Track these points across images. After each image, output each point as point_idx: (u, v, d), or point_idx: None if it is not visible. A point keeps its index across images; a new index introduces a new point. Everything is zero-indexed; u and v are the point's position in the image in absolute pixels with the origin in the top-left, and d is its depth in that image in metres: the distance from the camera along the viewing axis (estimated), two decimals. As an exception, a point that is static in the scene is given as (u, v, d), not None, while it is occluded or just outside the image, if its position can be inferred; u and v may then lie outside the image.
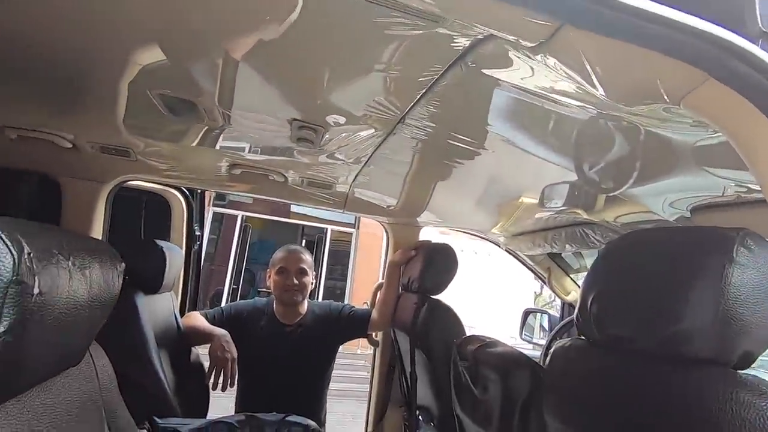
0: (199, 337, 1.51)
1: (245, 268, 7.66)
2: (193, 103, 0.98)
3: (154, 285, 1.37)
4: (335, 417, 2.21)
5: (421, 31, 0.57)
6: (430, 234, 1.99)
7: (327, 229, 8.27)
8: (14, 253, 0.37)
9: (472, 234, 2.14)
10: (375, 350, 1.95)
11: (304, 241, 8.13)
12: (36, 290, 0.40)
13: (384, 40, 0.60)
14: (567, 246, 1.52)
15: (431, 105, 0.83)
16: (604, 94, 0.53)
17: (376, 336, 1.90)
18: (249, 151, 1.38)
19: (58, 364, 0.53)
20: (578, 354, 0.57)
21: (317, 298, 6.30)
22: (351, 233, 8.36)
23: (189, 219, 1.77)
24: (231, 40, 0.72)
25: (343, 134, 1.06)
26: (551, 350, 0.64)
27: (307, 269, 1.70)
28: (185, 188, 1.78)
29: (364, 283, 6.86)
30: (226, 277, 7.65)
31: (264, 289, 8.10)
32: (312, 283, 1.73)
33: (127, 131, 1.24)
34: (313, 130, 1.02)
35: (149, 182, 1.66)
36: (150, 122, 1.18)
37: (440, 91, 0.76)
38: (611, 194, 1.09)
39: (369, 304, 1.92)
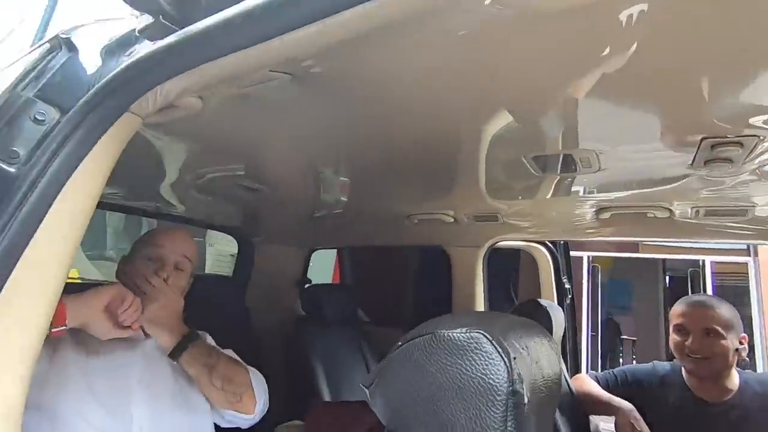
0: (598, 406, 1.34)
1: (605, 315, 6.97)
2: (567, 156, 0.93)
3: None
4: None
5: None
6: None
7: (702, 260, 6.45)
8: (504, 360, 0.38)
9: None
10: None
11: (667, 278, 6.70)
12: (526, 399, 0.39)
13: None
14: None
15: None
16: None
17: None
18: (621, 190, 1.20)
19: None
20: None
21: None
22: (745, 263, 6.16)
23: (556, 272, 1.72)
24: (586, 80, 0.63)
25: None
26: None
27: (719, 329, 1.24)
28: (548, 241, 1.76)
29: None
30: (580, 325, 7.19)
31: (626, 337, 7.08)
32: (732, 348, 1.25)
33: (493, 199, 1.34)
34: (738, 145, 0.75)
35: (515, 240, 1.75)
36: (512, 185, 1.23)
37: None
38: None
39: None
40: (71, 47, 0.54)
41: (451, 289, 1.68)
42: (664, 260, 6.83)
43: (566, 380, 1.48)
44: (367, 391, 0.44)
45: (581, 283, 7.15)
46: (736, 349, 1.25)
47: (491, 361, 0.39)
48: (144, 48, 0.52)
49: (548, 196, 1.26)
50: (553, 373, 0.50)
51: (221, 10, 0.43)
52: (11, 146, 0.48)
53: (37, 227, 0.46)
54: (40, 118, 0.50)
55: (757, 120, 0.68)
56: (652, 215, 1.27)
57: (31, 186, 0.47)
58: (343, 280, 2.18)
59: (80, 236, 0.52)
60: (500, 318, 0.49)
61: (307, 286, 2.00)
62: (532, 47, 0.51)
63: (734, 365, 1.26)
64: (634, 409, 1.24)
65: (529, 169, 1.02)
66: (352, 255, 2.14)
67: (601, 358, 6.23)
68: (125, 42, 0.55)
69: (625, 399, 1.30)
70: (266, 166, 1.31)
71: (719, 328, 1.24)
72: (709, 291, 6.28)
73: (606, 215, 1.34)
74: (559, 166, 0.97)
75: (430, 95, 0.69)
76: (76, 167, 0.50)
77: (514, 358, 0.39)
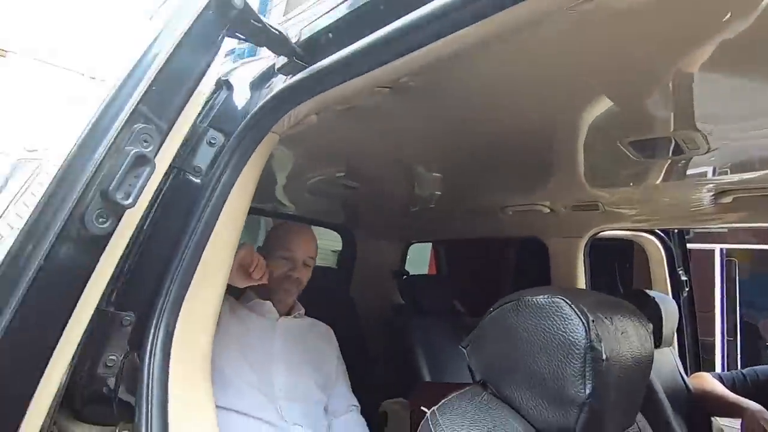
0: (721, 406, 1.24)
1: (742, 316, 6.01)
2: (668, 138, 0.90)
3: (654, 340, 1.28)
4: None
5: None
6: None
7: None
8: (582, 321, 0.44)
9: None
10: None
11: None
12: (604, 356, 0.44)
13: None
14: None
15: None
16: None
17: None
18: (743, 171, 1.09)
19: (620, 427, 0.56)
20: None
21: None
22: None
23: (670, 263, 1.59)
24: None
25: None
26: None
27: None
28: (659, 230, 1.64)
29: None
30: (713, 325, 6.28)
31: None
32: None
33: (593, 187, 1.30)
34: None
35: (620, 230, 1.66)
36: (614, 172, 1.19)
37: None
38: None
39: None
40: (229, 86, 0.72)
41: (549, 282, 1.66)
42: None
43: (682, 377, 1.38)
44: (465, 351, 0.53)
45: (712, 280, 6.24)
46: None
47: (570, 321, 0.45)
48: (279, 81, 0.67)
49: (658, 182, 1.20)
50: (644, 351, 0.53)
51: (339, 48, 0.55)
52: (196, 163, 0.66)
53: (216, 220, 0.63)
54: (212, 141, 0.67)
55: None
56: (790, 196, 1.13)
57: (211, 191, 0.64)
58: (439, 272, 2.26)
59: (241, 225, 0.69)
60: (587, 293, 0.54)
61: (404, 277, 2.13)
62: (637, 31, 0.53)
63: None
64: (765, 410, 1.12)
65: (633, 155, 1.00)
66: (447, 248, 2.22)
67: (741, 366, 5.39)
68: (265, 77, 0.71)
69: (756, 401, 1.18)
70: (364, 166, 1.45)
71: None
72: None
73: (727, 199, 1.22)
74: (663, 149, 0.94)
75: (524, 91, 0.73)
76: (238, 176, 0.67)
77: (593, 321, 0.44)
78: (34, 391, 0.47)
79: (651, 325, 0.58)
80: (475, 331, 0.53)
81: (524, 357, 0.47)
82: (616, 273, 1.81)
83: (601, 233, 1.60)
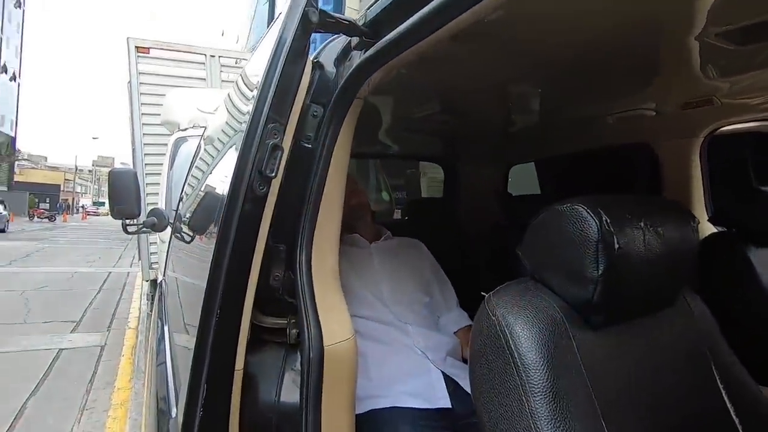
0: None
1: None
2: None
3: (771, 237, 1.21)
4: None
5: None
6: None
7: None
8: (596, 220, 0.55)
9: None
10: None
11: None
12: (616, 246, 0.55)
13: None
14: None
15: None
16: None
17: None
18: None
19: (651, 304, 0.67)
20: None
21: None
22: None
23: (815, 152, 1.37)
24: None
25: None
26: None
27: None
28: (799, 116, 1.40)
29: None
30: None
31: None
32: None
33: (704, 80, 1.20)
34: None
35: (750, 122, 1.47)
36: (729, 61, 1.08)
37: None
38: None
39: None
40: (320, 66, 0.90)
41: (661, 191, 1.59)
42: None
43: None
44: (519, 253, 0.67)
45: None
46: None
47: (585, 222, 0.56)
48: (356, 56, 0.83)
49: None
50: (681, 241, 0.63)
51: (400, 23, 0.68)
52: (307, 133, 0.88)
53: (327, 173, 0.86)
54: (315, 114, 0.88)
55: None
56: None
57: (320, 152, 0.86)
58: (543, 190, 2.28)
59: (345, 174, 0.91)
60: (623, 200, 0.63)
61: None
62: None
63: None
64: None
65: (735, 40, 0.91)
66: (549, 166, 2.21)
67: None
68: (345, 54, 0.87)
69: None
70: (455, 101, 1.55)
71: None
72: None
73: None
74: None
75: None
76: (337, 137, 0.87)
77: (607, 220, 0.55)
78: (244, 297, 0.77)
79: (697, 221, 0.65)
80: (524, 237, 0.67)
81: (555, 252, 0.61)
82: (749, 170, 1.62)
83: (722, 129, 1.45)
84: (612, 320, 0.62)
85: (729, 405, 0.67)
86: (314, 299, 0.82)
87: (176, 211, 1.93)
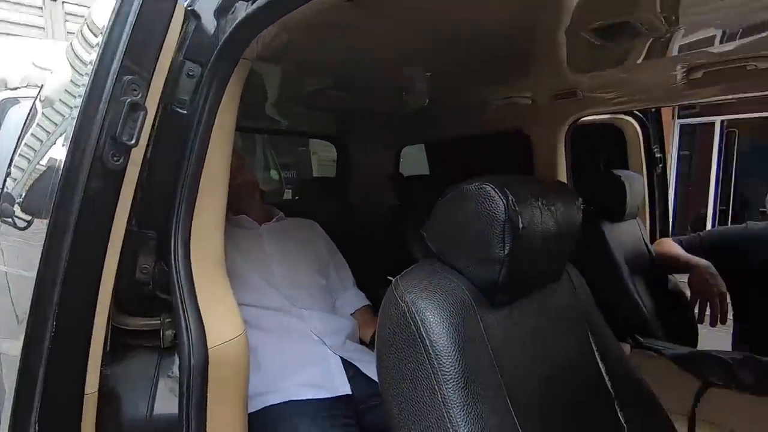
0: (676, 265, 1.43)
1: (737, 187, 6.17)
2: (627, 23, 0.92)
3: (617, 213, 1.43)
4: None
5: None
6: None
7: None
8: (503, 200, 0.55)
9: None
10: None
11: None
12: (521, 225, 0.56)
13: None
14: None
15: None
16: None
17: None
18: (716, 44, 1.11)
19: (543, 279, 0.72)
20: None
21: None
22: None
23: (646, 142, 1.66)
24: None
25: None
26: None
27: None
28: (637, 111, 1.68)
29: None
30: (707, 197, 6.49)
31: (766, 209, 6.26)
32: None
33: (570, 74, 1.33)
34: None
35: (600, 114, 1.70)
36: (589, 58, 1.21)
37: None
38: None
39: None
40: (196, 15, 0.75)
41: (534, 172, 1.76)
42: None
43: (646, 244, 1.55)
44: (424, 234, 0.66)
45: (710, 153, 6.28)
46: None
47: (493, 201, 0.57)
48: (241, 7, 0.71)
49: (638, 62, 1.21)
50: (569, 219, 0.68)
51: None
52: (180, 96, 0.73)
53: (208, 144, 0.72)
54: (191, 73, 0.73)
55: None
56: (752, 67, 1.16)
57: (198, 120, 0.72)
58: (432, 172, 2.37)
59: (231, 145, 0.78)
60: (522, 180, 0.65)
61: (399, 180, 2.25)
62: None
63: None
64: (711, 266, 1.30)
65: (595, 42, 1.02)
66: (438, 149, 2.29)
67: (729, 233, 5.68)
68: (228, 4, 0.74)
69: (709, 258, 1.35)
70: (349, 77, 1.47)
71: None
72: None
73: (698, 74, 1.26)
74: (620, 34, 0.96)
75: None
76: (219, 103, 0.74)
77: (513, 199, 0.56)
78: (96, 295, 0.61)
79: (580, 201, 0.71)
80: (429, 219, 0.65)
81: (462, 232, 0.60)
82: (599, 155, 1.90)
83: (582, 119, 1.65)
84: (513, 298, 0.64)
85: (602, 368, 0.76)
86: (194, 293, 0.70)
87: (1, 189, 1.52)
